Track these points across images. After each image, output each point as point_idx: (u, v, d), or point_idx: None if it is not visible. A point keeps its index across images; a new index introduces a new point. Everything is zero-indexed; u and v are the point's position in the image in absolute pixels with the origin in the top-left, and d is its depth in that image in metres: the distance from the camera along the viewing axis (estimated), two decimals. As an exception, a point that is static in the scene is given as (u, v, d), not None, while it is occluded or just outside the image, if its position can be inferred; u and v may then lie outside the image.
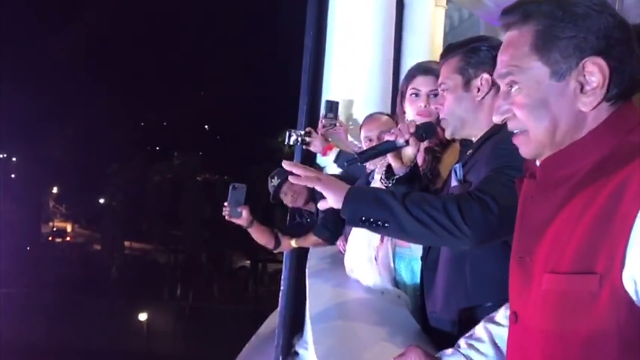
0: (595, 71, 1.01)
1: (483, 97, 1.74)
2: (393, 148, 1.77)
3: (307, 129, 3.80)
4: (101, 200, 35.45)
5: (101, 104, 37.04)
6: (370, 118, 2.93)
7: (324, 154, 3.72)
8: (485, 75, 1.72)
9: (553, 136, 1.06)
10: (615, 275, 0.92)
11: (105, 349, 21.48)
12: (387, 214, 1.44)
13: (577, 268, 0.97)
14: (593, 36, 1.02)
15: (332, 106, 3.80)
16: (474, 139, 1.77)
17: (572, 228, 0.99)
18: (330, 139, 3.73)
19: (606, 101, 1.03)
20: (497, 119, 1.14)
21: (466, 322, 1.59)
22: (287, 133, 3.83)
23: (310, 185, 1.56)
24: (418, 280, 2.15)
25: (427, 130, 1.82)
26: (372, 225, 1.47)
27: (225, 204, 3.23)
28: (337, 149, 3.69)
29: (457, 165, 1.75)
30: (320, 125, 3.75)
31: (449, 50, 1.83)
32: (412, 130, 1.76)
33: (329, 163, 3.91)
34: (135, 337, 24.26)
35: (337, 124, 3.76)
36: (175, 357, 23.41)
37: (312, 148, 3.79)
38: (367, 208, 1.47)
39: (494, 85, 1.68)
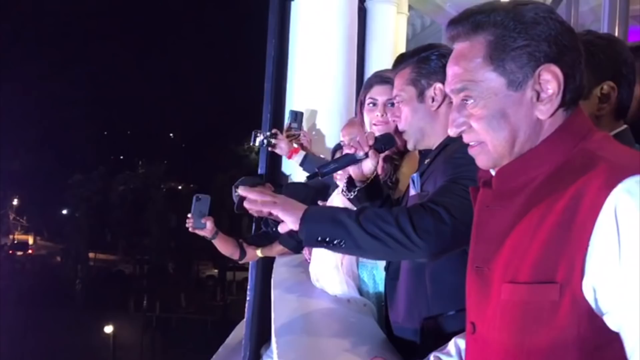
0: (550, 79, 1.02)
1: (438, 107, 1.75)
2: (353, 161, 1.77)
3: (273, 130, 3.78)
4: (64, 212, 34.72)
5: (63, 113, 36.33)
6: (349, 122, 2.94)
7: (290, 157, 3.71)
8: (438, 85, 1.73)
9: (512, 146, 1.06)
10: (576, 284, 0.93)
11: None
12: (343, 232, 1.45)
13: (537, 278, 0.97)
14: (545, 44, 1.02)
15: (297, 116, 3.80)
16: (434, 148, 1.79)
17: (531, 237, 0.98)
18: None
19: (561, 108, 1.03)
20: (452, 132, 1.12)
21: (429, 331, 1.60)
22: (253, 134, 3.82)
23: (266, 210, 1.55)
24: (381, 288, 2.16)
25: (386, 142, 1.82)
26: (329, 245, 1.47)
27: (189, 215, 3.18)
28: (303, 152, 3.68)
29: (415, 175, 1.75)
30: (284, 135, 3.74)
31: (400, 61, 1.83)
32: (371, 142, 1.75)
33: (294, 166, 3.90)
34: (101, 350, 23.76)
35: (301, 134, 3.75)
36: (142, 370, 23.03)
37: (277, 150, 3.77)
38: (323, 228, 1.47)
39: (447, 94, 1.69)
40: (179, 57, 44.74)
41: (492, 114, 1.05)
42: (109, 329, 25.20)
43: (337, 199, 2.25)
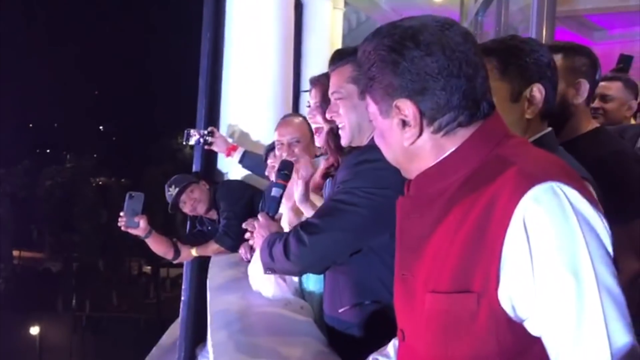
0: (406, 110, 1.04)
1: None
2: (279, 201, 2.01)
3: (210, 129, 3.70)
4: (-15, 208, 33.08)
5: (-17, 104, 34.56)
6: (283, 121, 2.87)
7: (228, 154, 3.64)
8: None
9: (398, 164, 1.13)
10: (492, 293, 0.93)
11: (-7, 368, 20.07)
12: (270, 266, 1.79)
13: (455, 287, 0.97)
14: (399, 78, 1.04)
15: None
16: None
17: (449, 245, 0.99)
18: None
19: (432, 133, 1.05)
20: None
21: (351, 321, 1.71)
22: (186, 133, 3.70)
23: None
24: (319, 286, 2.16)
25: (286, 167, 2.05)
26: (273, 271, 1.83)
27: (122, 213, 3.08)
28: (242, 149, 3.62)
29: (328, 180, 1.89)
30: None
31: (338, 58, 1.83)
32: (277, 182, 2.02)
33: (231, 163, 3.84)
34: (26, 353, 22.82)
35: (215, 135, 3.67)
36: (71, 372, 22.30)
37: (214, 148, 3.70)
38: (264, 261, 1.80)
39: None
40: (109, 47, 43.35)
41: (378, 133, 1.13)
42: (35, 330, 24.26)
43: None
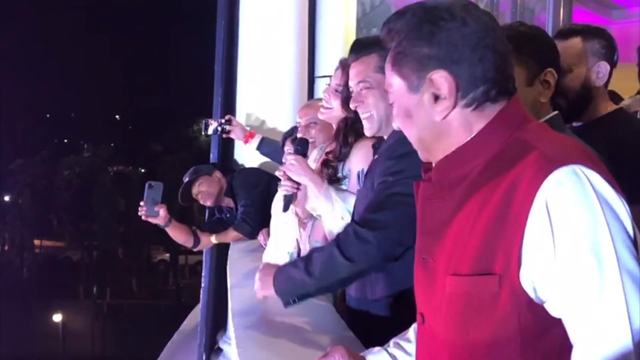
0: (441, 82, 1.04)
1: None
2: (290, 198, 2.12)
3: (227, 117, 3.73)
4: (6, 198, 33.50)
5: (1, 96, 34.91)
6: (305, 104, 2.95)
7: (246, 141, 3.67)
8: None
9: (423, 144, 1.11)
10: (513, 275, 0.95)
11: (18, 355, 20.43)
12: (303, 288, 1.66)
13: (477, 270, 0.98)
14: (435, 49, 1.04)
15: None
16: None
17: (470, 229, 1.00)
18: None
19: (463, 107, 1.05)
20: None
21: (380, 312, 1.72)
22: (204, 123, 3.74)
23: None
24: None
25: (301, 145, 2.15)
26: (303, 300, 1.69)
27: (142, 203, 3.12)
28: (260, 136, 3.64)
29: (360, 170, 1.83)
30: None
31: (361, 48, 1.83)
32: (286, 177, 2.08)
33: (248, 154, 3.86)
34: (50, 339, 23.22)
35: (233, 123, 3.70)
36: (94, 359, 22.64)
37: (232, 136, 3.73)
38: (289, 289, 1.67)
39: None
40: (124, 37, 43.49)
41: (402, 113, 1.11)
42: (57, 317, 24.64)
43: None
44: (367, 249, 1.59)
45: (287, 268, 1.73)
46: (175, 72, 40.76)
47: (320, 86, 4.31)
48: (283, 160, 3.07)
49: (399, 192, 1.59)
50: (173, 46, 42.60)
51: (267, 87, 3.98)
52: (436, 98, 1.05)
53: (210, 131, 3.71)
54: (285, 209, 2.21)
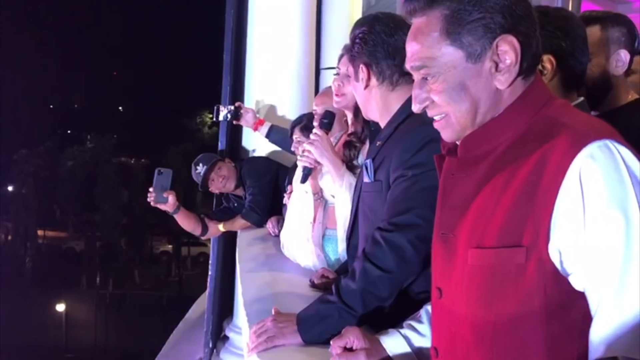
0: (508, 49, 1.04)
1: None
2: (309, 171, 2.19)
3: (237, 104, 3.75)
4: (10, 188, 33.55)
5: (5, 86, 34.86)
6: (321, 91, 2.98)
7: (255, 129, 3.69)
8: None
9: (474, 117, 1.08)
10: (542, 247, 0.96)
11: (21, 344, 20.51)
12: (338, 322, 1.45)
13: (503, 242, 0.99)
14: (499, 15, 1.04)
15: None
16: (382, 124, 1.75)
17: (495, 203, 1.01)
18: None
19: (520, 77, 1.06)
20: (416, 109, 1.13)
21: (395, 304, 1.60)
22: (216, 109, 3.77)
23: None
24: (341, 262, 2.17)
25: (327, 117, 2.18)
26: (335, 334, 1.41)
27: (151, 189, 3.14)
28: (269, 124, 3.66)
29: (367, 161, 1.72)
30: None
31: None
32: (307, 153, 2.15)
33: (256, 142, 3.88)
34: (53, 329, 23.30)
35: (243, 110, 3.71)
36: (97, 349, 22.72)
37: (242, 123, 3.74)
38: (322, 330, 1.46)
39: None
40: (127, 28, 43.40)
41: (452, 86, 1.06)
42: (60, 307, 24.71)
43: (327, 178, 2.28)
44: (403, 254, 1.46)
45: (313, 307, 1.54)
46: (180, 64, 40.70)
47: (325, 78, 4.32)
48: (292, 148, 3.09)
49: (424, 187, 1.47)
50: (179, 38, 42.49)
51: (275, 76, 3.99)
52: (497, 67, 1.05)
53: (221, 117, 3.73)
54: (304, 180, 2.22)
